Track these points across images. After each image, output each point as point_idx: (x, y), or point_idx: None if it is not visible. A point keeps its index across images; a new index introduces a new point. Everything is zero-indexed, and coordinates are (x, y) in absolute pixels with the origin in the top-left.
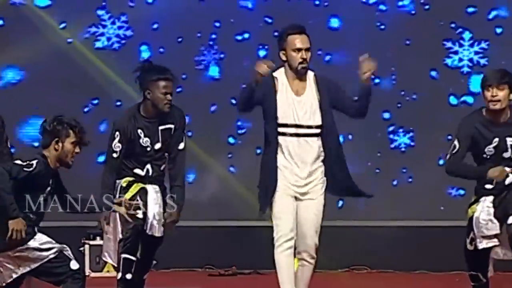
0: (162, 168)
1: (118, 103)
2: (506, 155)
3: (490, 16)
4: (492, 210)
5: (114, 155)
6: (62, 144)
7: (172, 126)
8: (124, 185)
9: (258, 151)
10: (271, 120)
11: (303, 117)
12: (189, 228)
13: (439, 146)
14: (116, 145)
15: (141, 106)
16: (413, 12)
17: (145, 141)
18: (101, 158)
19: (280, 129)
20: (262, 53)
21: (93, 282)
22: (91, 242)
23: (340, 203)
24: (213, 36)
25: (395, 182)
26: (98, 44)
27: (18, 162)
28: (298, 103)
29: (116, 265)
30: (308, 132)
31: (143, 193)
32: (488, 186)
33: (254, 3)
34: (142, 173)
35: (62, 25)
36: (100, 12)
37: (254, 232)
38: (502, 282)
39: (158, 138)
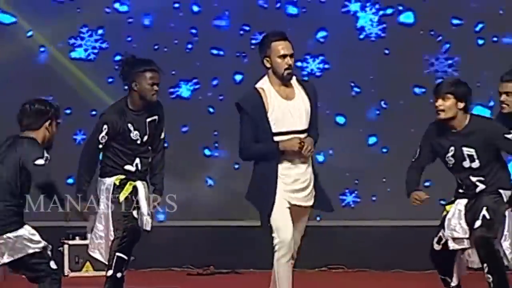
0: (149, 161)
1: (93, 112)
2: (466, 164)
3: (477, 29)
4: (463, 213)
5: (100, 146)
6: (51, 125)
7: (156, 117)
8: (117, 183)
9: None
10: (265, 133)
11: (300, 122)
12: (168, 228)
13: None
14: (103, 138)
15: (128, 99)
16: (397, 21)
17: (135, 134)
18: (71, 181)
19: (277, 138)
20: (238, 77)
21: (72, 281)
22: (70, 242)
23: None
24: (189, 45)
25: (373, 186)
26: (74, 55)
27: (41, 162)
28: (292, 108)
29: (106, 263)
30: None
31: (135, 192)
32: (461, 190)
33: (228, 19)
34: (132, 168)
35: (29, 33)
36: (77, 25)
37: (232, 232)
38: (470, 281)
39: (146, 130)
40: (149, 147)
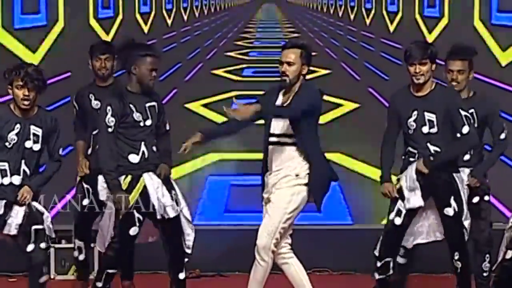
0: (154, 149)
1: None
2: (425, 130)
3: None
4: (417, 183)
5: (109, 129)
6: (12, 89)
7: (155, 103)
8: (124, 187)
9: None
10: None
11: (276, 127)
12: None
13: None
14: (110, 120)
15: (127, 82)
16: None
17: (137, 116)
18: None
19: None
20: None
21: (58, 285)
22: (56, 246)
23: None
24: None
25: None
26: None
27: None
28: None
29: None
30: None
31: (143, 190)
32: (412, 159)
33: None
34: (137, 158)
35: None
36: None
37: (218, 235)
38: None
39: (147, 114)
40: (155, 134)
